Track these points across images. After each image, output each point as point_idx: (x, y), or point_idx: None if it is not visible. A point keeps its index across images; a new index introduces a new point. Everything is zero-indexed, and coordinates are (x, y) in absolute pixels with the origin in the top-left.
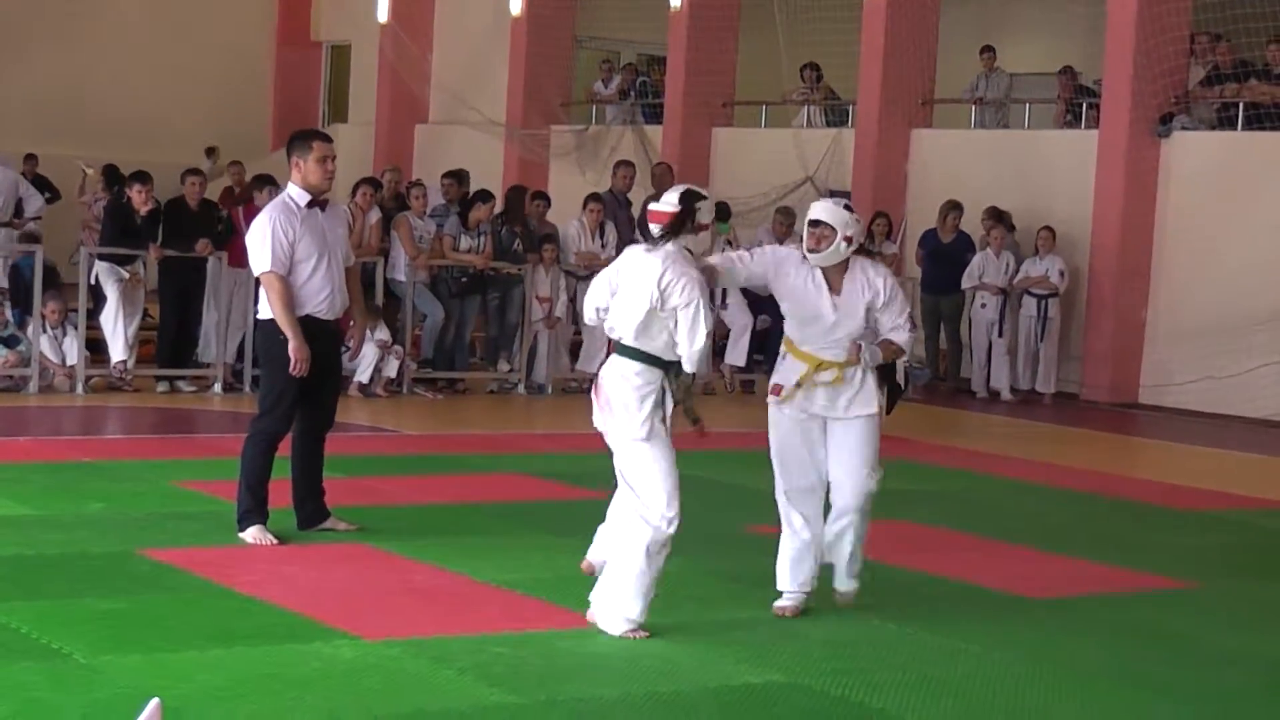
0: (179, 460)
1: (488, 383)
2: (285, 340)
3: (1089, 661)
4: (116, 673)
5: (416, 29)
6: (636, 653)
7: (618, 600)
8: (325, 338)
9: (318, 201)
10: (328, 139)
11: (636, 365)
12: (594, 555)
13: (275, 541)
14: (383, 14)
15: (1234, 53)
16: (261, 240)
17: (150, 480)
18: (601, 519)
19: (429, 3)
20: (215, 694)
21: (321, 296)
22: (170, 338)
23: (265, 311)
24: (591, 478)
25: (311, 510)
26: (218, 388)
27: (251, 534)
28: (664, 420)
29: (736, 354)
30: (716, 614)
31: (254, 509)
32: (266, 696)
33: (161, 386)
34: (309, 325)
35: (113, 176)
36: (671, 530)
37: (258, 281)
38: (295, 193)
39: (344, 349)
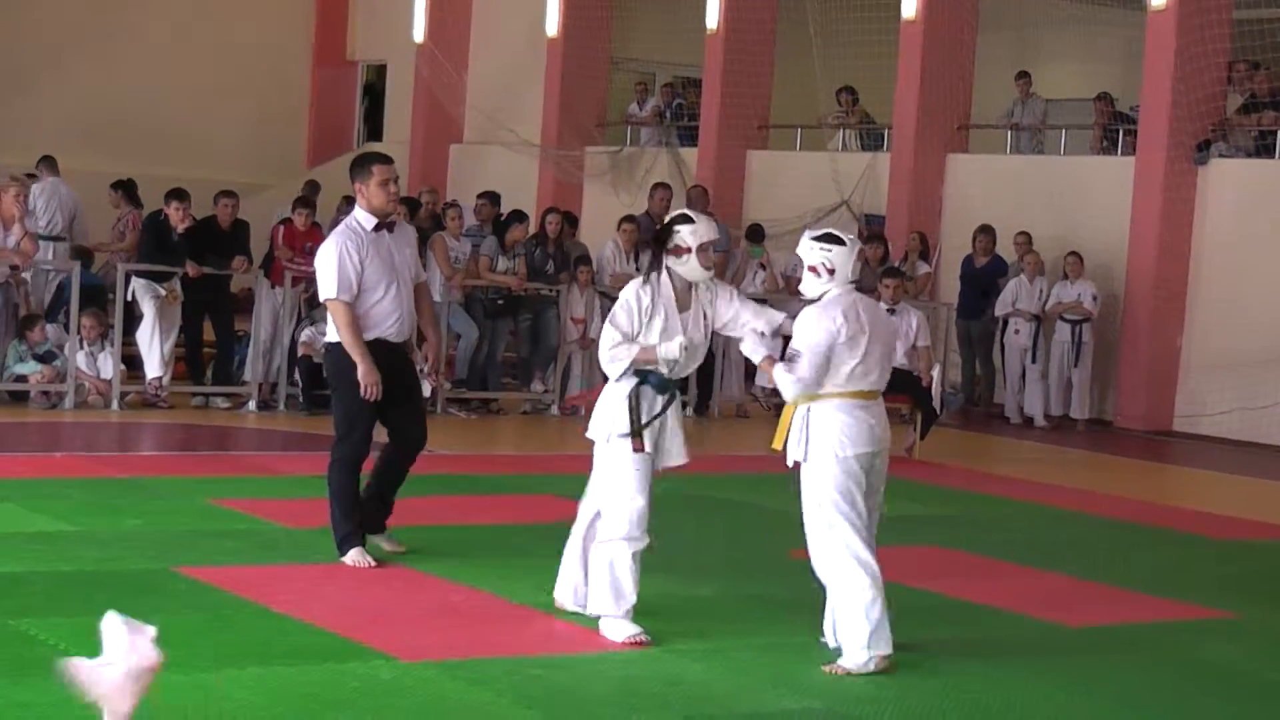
0: (215, 478)
1: (521, 403)
2: (354, 365)
3: (1129, 692)
4: (154, 691)
5: (452, 49)
6: (673, 677)
7: None
8: (398, 359)
9: (384, 224)
10: (388, 161)
11: None
12: None
13: (374, 564)
14: (419, 34)
15: (1272, 81)
16: (327, 266)
17: (186, 497)
18: None
19: (465, 23)
20: (253, 713)
21: (391, 320)
22: (193, 353)
23: (334, 334)
24: None
25: (368, 514)
26: (252, 405)
27: (352, 556)
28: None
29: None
30: (754, 639)
31: (352, 532)
32: (304, 717)
33: (196, 401)
34: (379, 348)
35: (132, 193)
36: None
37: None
38: (361, 217)
39: (421, 370)
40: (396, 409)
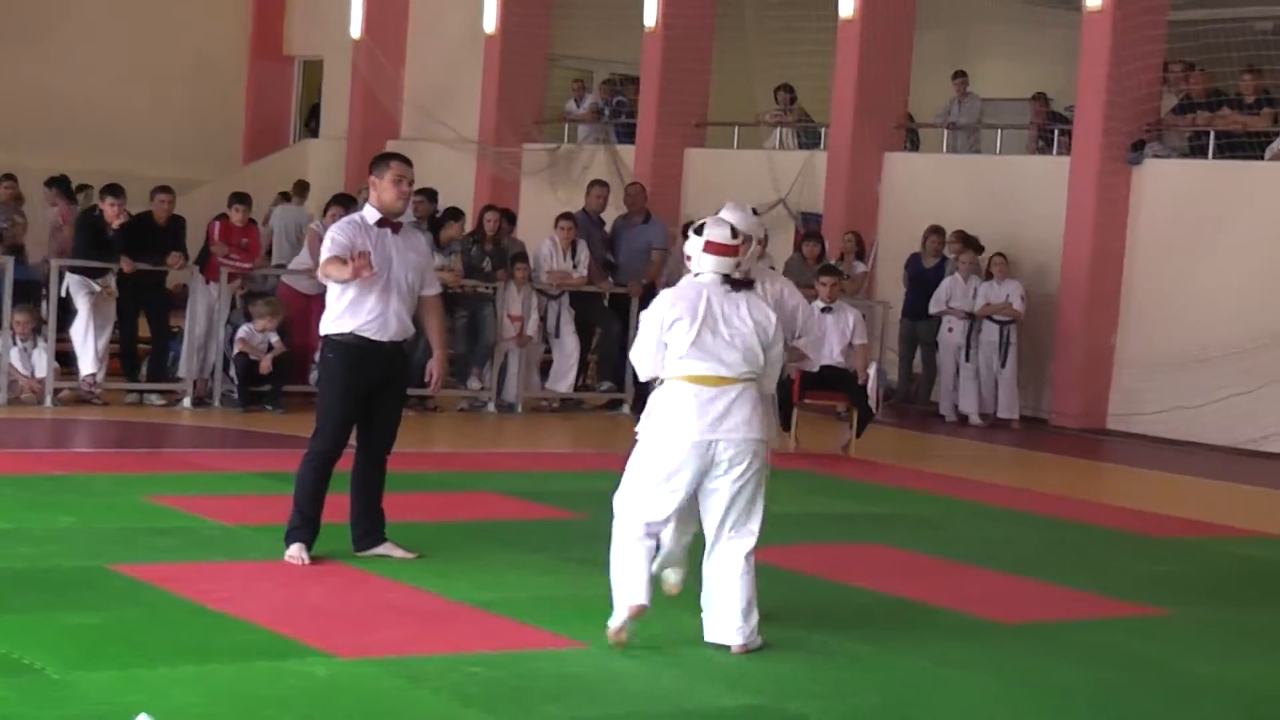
0: (150, 475)
1: (458, 400)
2: (333, 358)
3: (1063, 687)
4: (89, 689)
5: (389, 44)
6: (614, 674)
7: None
8: (379, 359)
9: (389, 223)
10: (406, 161)
11: None
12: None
13: (307, 561)
14: (355, 29)
15: (1207, 82)
16: (324, 247)
17: (121, 495)
18: (573, 537)
19: (402, 18)
20: (189, 711)
21: (371, 316)
22: (128, 349)
23: (324, 328)
24: (562, 497)
25: (362, 532)
26: (187, 402)
27: (290, 551)
28: None
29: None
30: (695, 635)
31: (299, 526)
32: (241, 715)
33: (130, 398)
34: (358, 345)
35: (65, 188)
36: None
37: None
38: (368, 211)
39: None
40: (373, 409)
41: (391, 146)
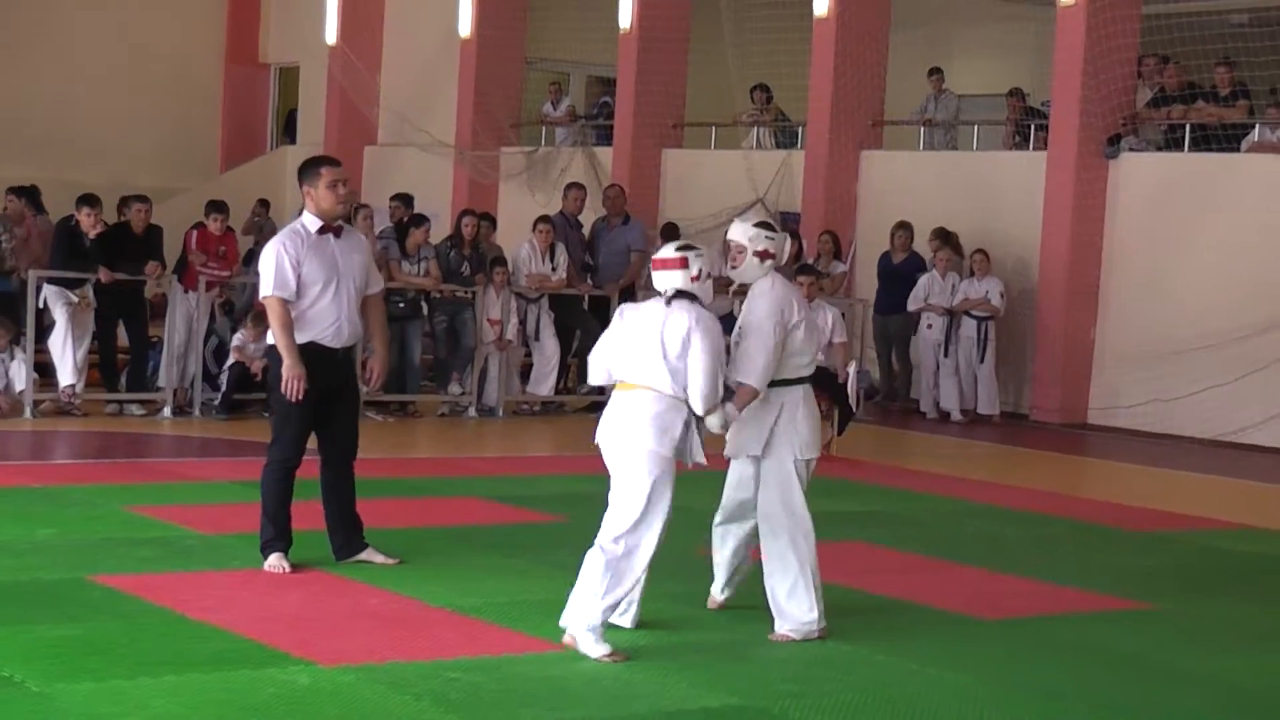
0: (130, 485)
1: (439, 405)
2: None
3: (1046, 682)
4: (69, 700)
5: (365, 50)
6: (594, 676)
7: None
8: (334, 365)
9: (330, 228)
10: (336, 163)
11: None
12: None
13: (288, 569)
14: (331, 36)
15: (1182, 75)
16: (265, 264)
17: (101, 505)
18: (554, 541)
19: (377, 24)
20: None
21: (327, 323)
22: (107, 360)
23: (272, 337)
24: (544, 501)
25: (342, 540)
26: (167, 411)
27: (269, 562)
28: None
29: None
30: (671, 637)
31: (275, 537)
32: None
33: (110, 408)
34: (314, 352)
35: (35, 199)
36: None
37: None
38: (307, 219)
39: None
40: (330, 416)
41: (369, 152)
